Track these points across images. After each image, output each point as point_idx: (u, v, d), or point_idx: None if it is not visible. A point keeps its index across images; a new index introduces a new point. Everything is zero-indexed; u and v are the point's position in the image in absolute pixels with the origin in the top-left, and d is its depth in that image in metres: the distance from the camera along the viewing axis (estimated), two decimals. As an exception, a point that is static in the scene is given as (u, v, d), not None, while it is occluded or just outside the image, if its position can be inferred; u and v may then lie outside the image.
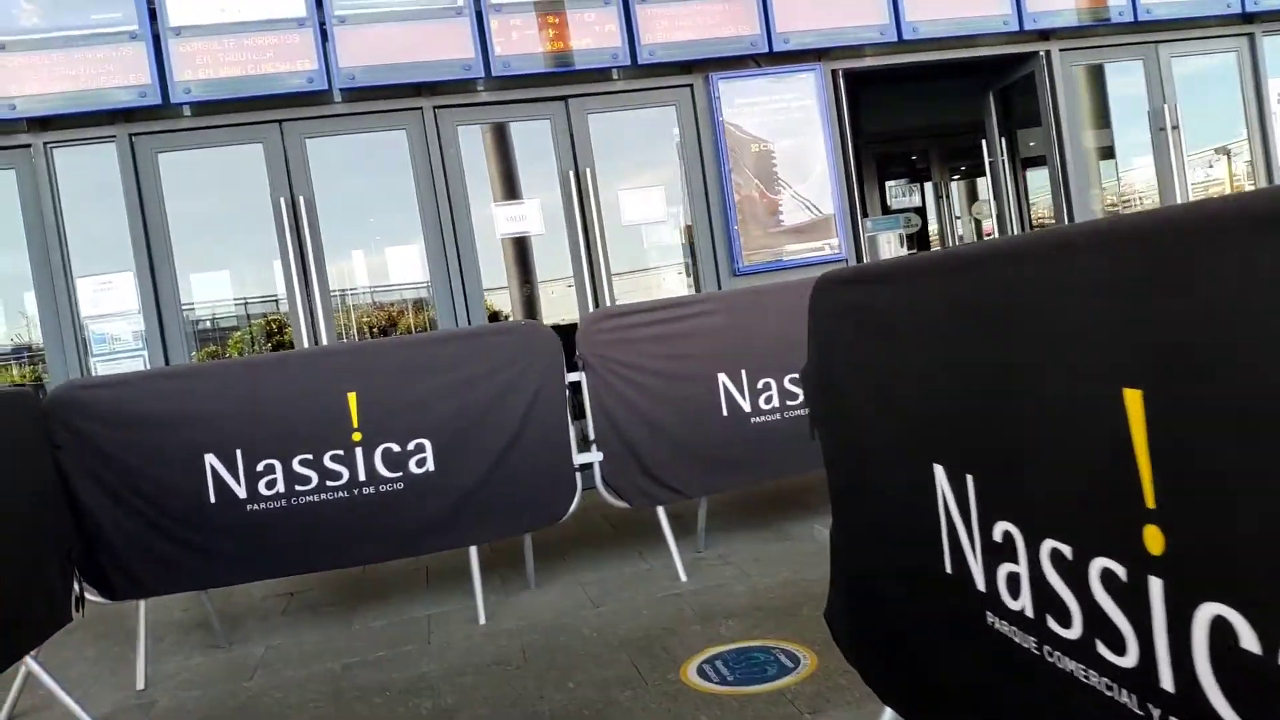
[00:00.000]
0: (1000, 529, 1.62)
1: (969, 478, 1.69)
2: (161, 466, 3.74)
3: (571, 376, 4.13)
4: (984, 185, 12.28)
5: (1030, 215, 8.94)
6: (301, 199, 5.97)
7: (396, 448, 3.91)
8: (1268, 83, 7.64)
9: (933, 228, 11.82)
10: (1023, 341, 1.49)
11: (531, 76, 6.15)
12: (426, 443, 3.93)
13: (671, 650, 3.37)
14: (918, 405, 1.85)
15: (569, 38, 6.09)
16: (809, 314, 2.37)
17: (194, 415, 3.79)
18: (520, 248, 6.74)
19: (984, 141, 8.02)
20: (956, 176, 11.45)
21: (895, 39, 6.70)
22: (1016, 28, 6.92)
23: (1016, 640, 1.62)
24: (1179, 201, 7.35)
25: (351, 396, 3.90)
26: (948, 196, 10.90)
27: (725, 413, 4.29)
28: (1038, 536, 1.51)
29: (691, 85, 6.56)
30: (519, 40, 6.02)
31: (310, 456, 3.85)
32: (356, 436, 3.89)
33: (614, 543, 4.86)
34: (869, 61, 6.91)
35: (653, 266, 7.13)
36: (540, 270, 6.84)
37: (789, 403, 4.38)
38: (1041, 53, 7.21)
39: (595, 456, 4.15)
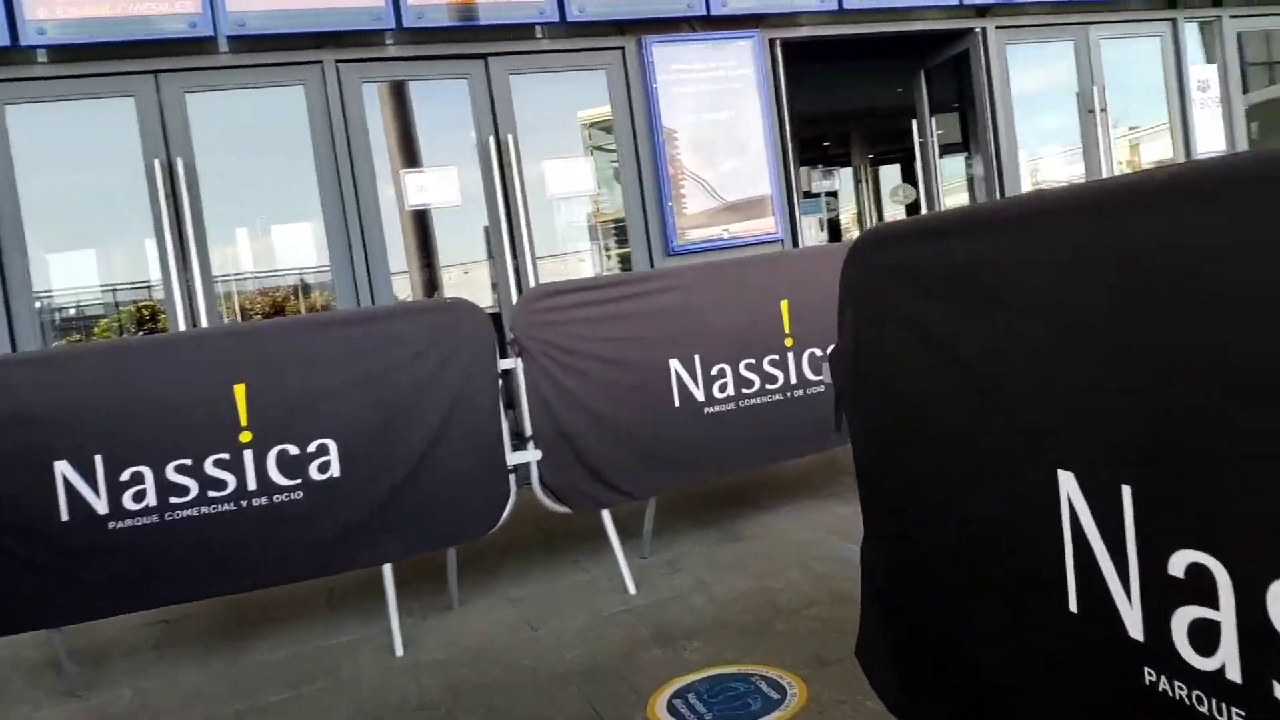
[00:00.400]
0: (1183, 561, 1.17)
1: (1125, 490, 1.24)
2: (1, 476, 3.04)
3: (503, 364, 3.58)
4: (889, 172, 12.14)
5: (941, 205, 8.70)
6: (180, 162, 5.22)
7: (294, 450, 3.29)
8: (1189, 69, 7.58)
9: (847, 214, 11.59)
10: (1245, 304, 1.04)
11: (448, 30, 5.53)
12: (331, 444, 3.32)
13: (631, 681, 2.86)
14: (1031, 394, 1.39)
15: (490, -12, 5.50)
16: (841, 281, 1.89)
17: (41, 413, 3.10)
18: (422, 228, 6.10)
19: (914, 123, 7.74)
20: (870, 160, 11.24)
21: (835, 7, 6.32)
22: (955, 1, 6.64)
23: (1202, 710, 1.17)
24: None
25: (239, 389, 3.27)
26: (867, 181, 10.67)
27: (677, 403, 3.80)
28: (1264, 575, 1.06)
29: (623, 48, 6.04)
30: (433, -12, 5.41)
31: (188, 462, 3.20)
32: (245, 437, 3.26)
33: (546, 550, 4.32)
34: (806, 31, 6.52)
35: (570, 250, 6.58)
36: (444, 254, 6.22)
37: (744, 391, 3.92)
38: (978, 29, 6.95)
39: (532, 455, 3.60)
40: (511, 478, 3.54)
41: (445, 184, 5.73)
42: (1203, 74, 7.61)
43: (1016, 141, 7.07)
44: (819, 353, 4.04)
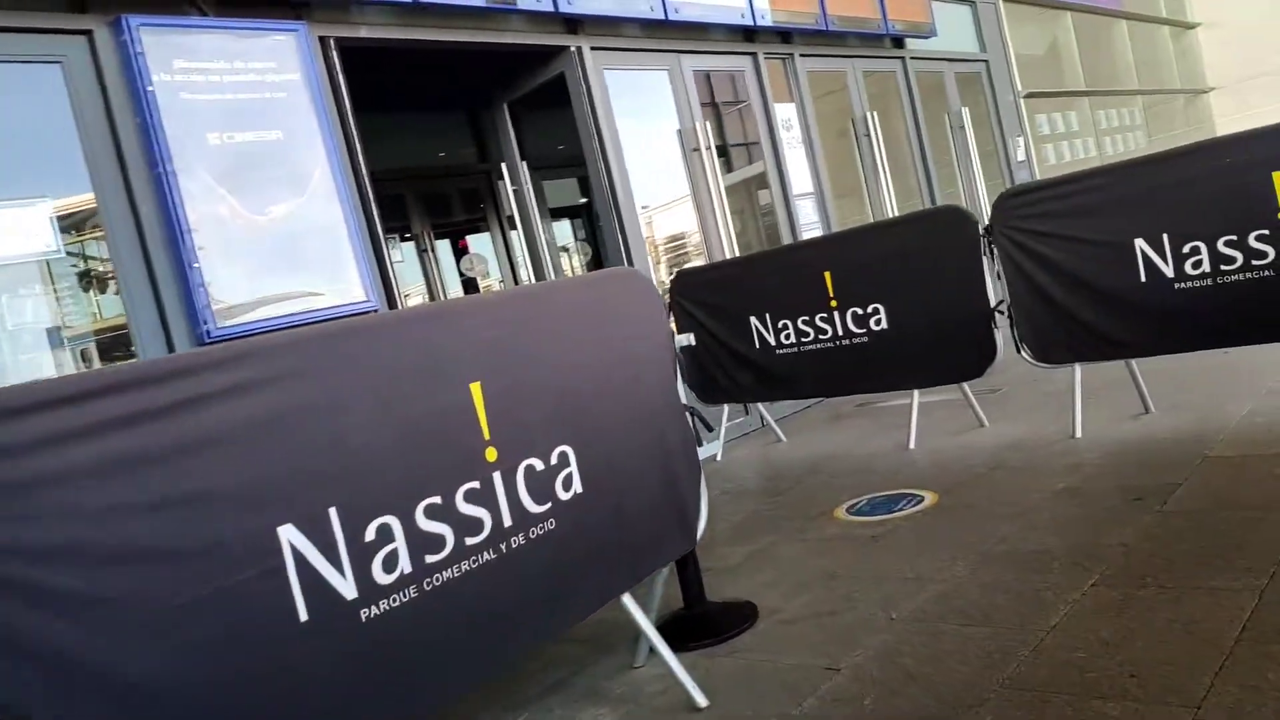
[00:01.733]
0: None
1: None
2: None
3: None
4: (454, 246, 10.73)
5: (529, 270, 7.33)
6: None
7: None
8: (774, 107, 7.19)
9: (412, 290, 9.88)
10: None
11: None
12: None
13: None
14: None
15: None
16: None
17: None
18: None
19: (503, 166, 6.35)
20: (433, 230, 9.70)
21: (406, -1, 4.74)
22: (550, 6, 5.41)
23: None
24: (722, 232, 6.45)
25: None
26: (432, 252, 9.10)
27: (305, 615, 1.80)
28: None
29: (91, 32, 3.83)
30: None
31: None
32: None
33: None
34: (365, 30, 4.83)
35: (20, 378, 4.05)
36: None
37: (429, 559, 2.05)
38: (573, 48, 5.80)
39: None
40: None
41: None
42: (784, 113, 7.26)
43: (630, 180, 5.99)
44: (540, 465, 2.32)
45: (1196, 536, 2.85)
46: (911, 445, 4.83)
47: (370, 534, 1.96)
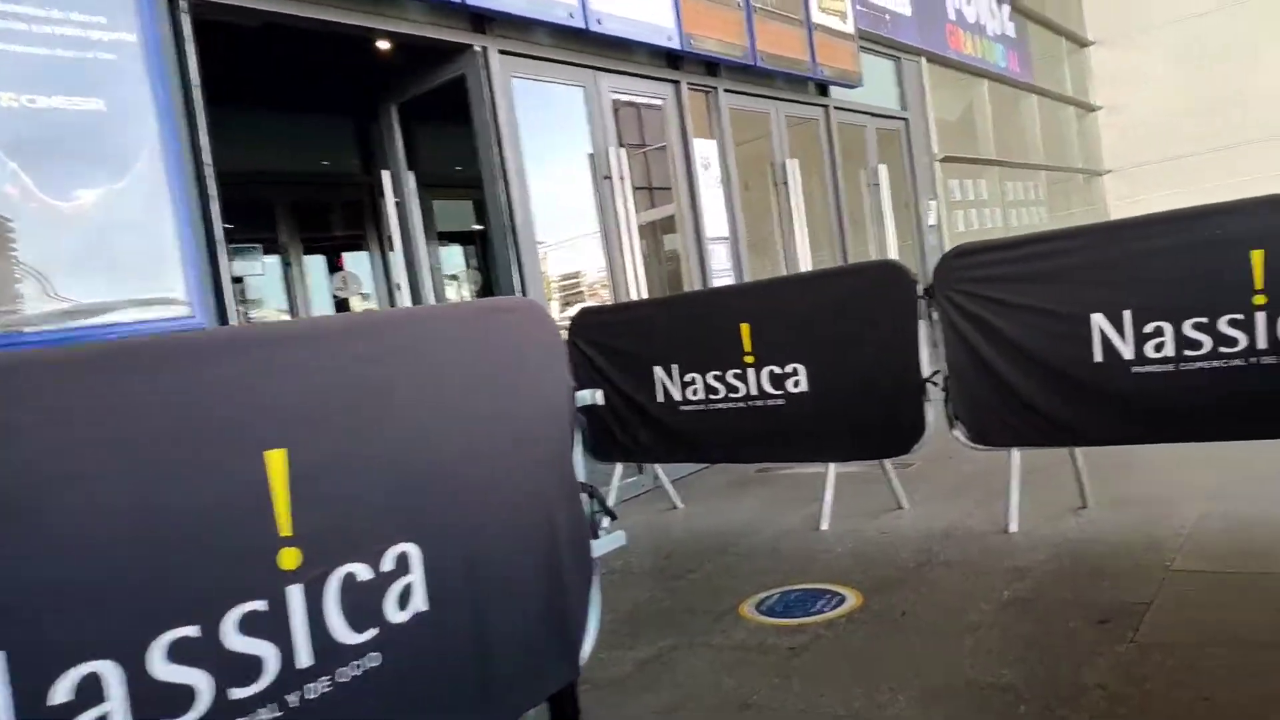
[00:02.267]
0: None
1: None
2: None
3: None
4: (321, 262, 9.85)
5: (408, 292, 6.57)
6: None
7: None
8: (693, 142, 6.66)
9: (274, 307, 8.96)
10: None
11: None
12: None
13: None
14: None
15: None
16: None
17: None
18: None
19: (384, 174, 5.59)
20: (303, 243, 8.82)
21: (279, -40, 4.00)
22: (453, -3, 4.74)
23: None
24: (629, 271, 5.86)
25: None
26: (299, 264, 8.23)
27: None
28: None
29: None
30: None
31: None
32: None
33: None
34: (230, -2, 4.07)
35: None
36: None
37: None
38: (478, 48, 5.13)
39: None
40: None
41: None
42: (704, 150, 6.73)
43: (531, 203, 5.34)
44: (366, 573, 1.61)
45: (1192, 683, 2.32)
46: (824, 525, 4.27)
47: (62, 692, 1.22)
